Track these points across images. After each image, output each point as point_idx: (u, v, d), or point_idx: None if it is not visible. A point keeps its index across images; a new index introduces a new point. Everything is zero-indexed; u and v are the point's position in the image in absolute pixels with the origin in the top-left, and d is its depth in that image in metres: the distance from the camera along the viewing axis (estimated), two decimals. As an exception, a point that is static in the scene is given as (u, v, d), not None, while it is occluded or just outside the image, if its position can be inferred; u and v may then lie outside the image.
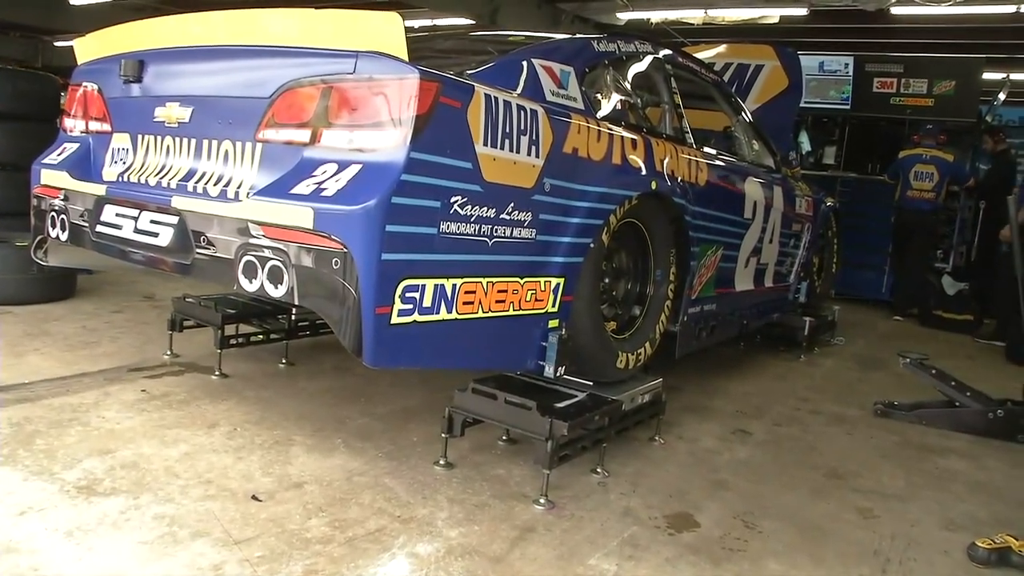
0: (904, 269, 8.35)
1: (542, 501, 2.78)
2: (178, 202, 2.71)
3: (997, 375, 5.72)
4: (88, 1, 14.18)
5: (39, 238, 3.42)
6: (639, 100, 3.74)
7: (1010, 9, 8.94)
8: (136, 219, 2.87)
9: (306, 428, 3.27)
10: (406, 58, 2.33)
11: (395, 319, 2.35)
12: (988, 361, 6.50)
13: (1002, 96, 8.82)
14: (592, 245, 3.05)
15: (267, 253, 2.43)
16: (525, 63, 2.95)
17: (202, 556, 2.22)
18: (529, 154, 2.71)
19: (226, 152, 2.70)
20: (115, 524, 2.34)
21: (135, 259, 2.93)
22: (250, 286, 2.49)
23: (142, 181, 2.94)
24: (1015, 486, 3.58)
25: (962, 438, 4.19)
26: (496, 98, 2.58)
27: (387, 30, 2.35)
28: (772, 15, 10.51)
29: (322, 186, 2.34)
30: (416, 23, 12.60)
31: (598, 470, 3.11)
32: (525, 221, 2.74)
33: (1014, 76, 10.21)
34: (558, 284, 2.95)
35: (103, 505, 2.44)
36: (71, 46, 3.47)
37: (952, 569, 2.69)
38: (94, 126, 3.27)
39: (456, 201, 2.45)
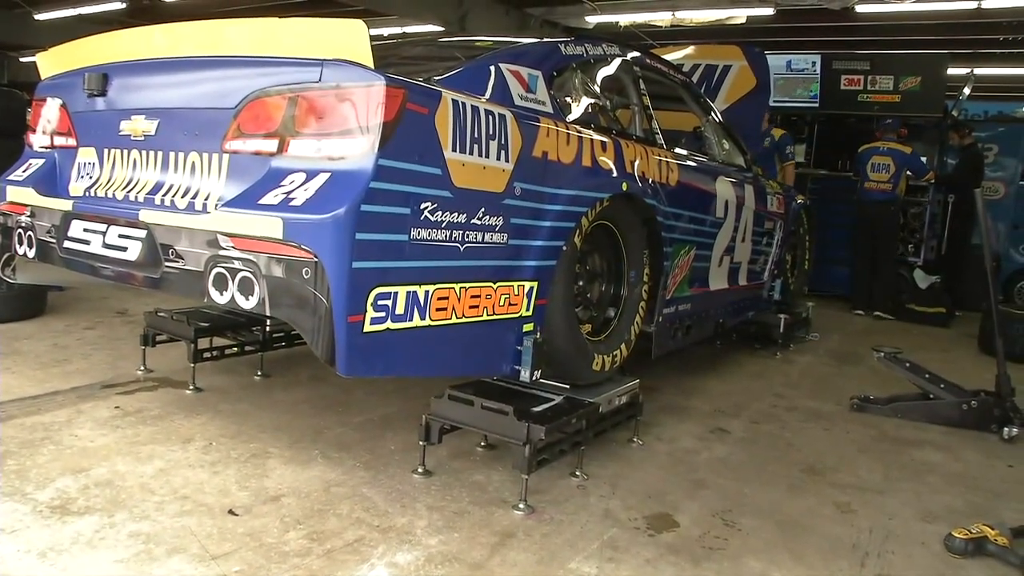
0: (874, 265, 8.35)
1: (521, 506, 2.77)
2: (146, 215, 2.68)
3: (971, 366, 5.79)
4: (53, 15, 14.06)
5: (6, 255, 3.37)
6: (608, 102, 3.75)
7: (971, 5, 9.08)
8: (104, 234, 2.83)
9: (283, 440, 3.24)
10: (372, 65, 2.32)
11: (368, 327, 2.34)
12: (962, 353, 6.57)
13: (967, 91, 8.92)
14: (564, 248, 3.05)
15: (237, 264, 2.41)
16: (493, 68, 2.95)
17: (179, 573, 2.19)
18: (498, 159, 2.71)
19: (193, 164, 2.68)
20: (90, 543, 2.31)
21: (105, 274, 2.90)
22: (221, 298, 2.47)
23: (109, 195, 2.91)
24: (990, 476, 3.62)
25: (937, 430, 4.23)
26: (464, 103, 2.57)
27: (352, 38, 2.34)
28: (739, 16, 10.61)
29: (291, 196, 2.33)
30: (386, 31, 12.60)
31: (577, 473, 3.11)
32: (496, 226, 2.74)
33: (978, 71, 10.36)
34: (532, 288, 2.95)
35: (77, 524, 2.41)
36: (36, 61, 3.43)
37: (930, 560, 2.71)
38: (59, 141, 3.23)
39: (426, 207, 2.45)
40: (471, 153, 2.59)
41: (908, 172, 8.06)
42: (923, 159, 8.36)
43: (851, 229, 8.43)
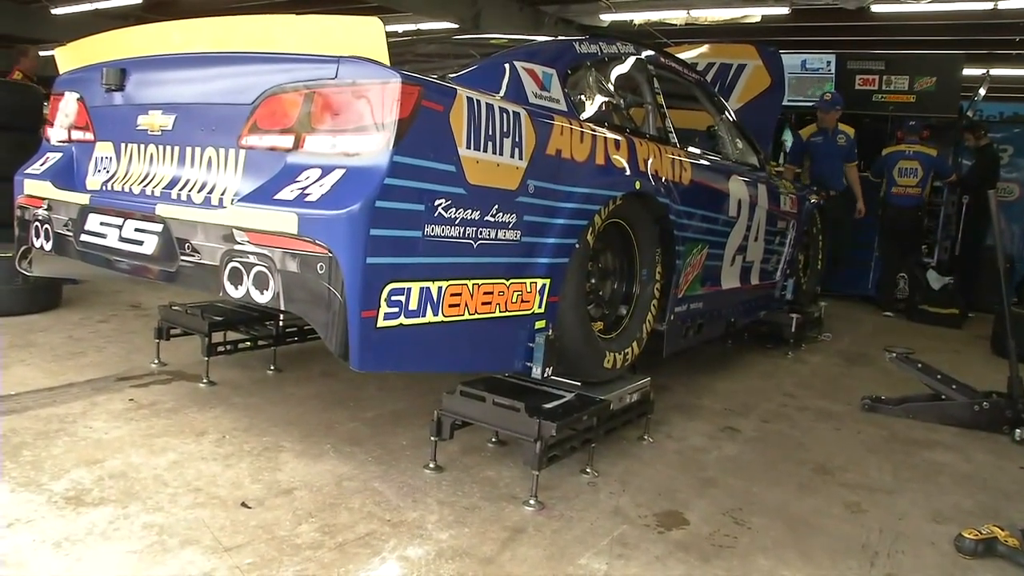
0: (891, 265, 8.36)
1: (532, 502, 2.78)
2: (162, 210, 2.70)
3: (983, 368, 5.77)
4: (70, 10, 14.13)
5: (23, 248, 3.40)
6: (622, 101, 3.75)
7: (987, 6, 9.03)
8: (120, 228, 2.85)
9: (295, 434, 3.27)
10: (387, 63, 2.34)
11: (381, 323, 2.35)
12: (974, 354, 6.55)
13: (982, 91, 8.89)
14: (577, 246, 3.06)
15: (252, 259, 2.43)
16: (507, 66, 2.96)
17: (192, 564, 2.21)
18: (512, 156, 2.72)
19: (209, 159, 2.70)
20: (104, 534, 2.33)
21: (120, 268, 2.92)
22: (236, 292, 2.49)
23: (126, 189, 2.94)
24: (1000, 477, 3.61)
25: (948, 431, 4.22)
26: (479, 101, 2.58)
27: (368, 35, 2.35)
28: (754, 15, 10.57)
29: (306, 191, 2.34)
30: (400, 28, 12.61)
31: (587, 470, 3.12)
32: (510, 223, 2.75)
33: (994, 71, 10.31)
34: (544, 285, 2.96)
35: (91, 515, 2.43)
36: (53, 55, 3.46)
37: (939, 560, 2.71)
38: (77, 135, 3.26)
39: (440, 204, 2.46)
40: (485, 150, 2.60)
41: (933, 174, 8.05)
42: (948, 161, 8.35)
43: (870, 230, 8.41)
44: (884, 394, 4.57)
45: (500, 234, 2.72)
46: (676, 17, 10.88)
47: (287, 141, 2.47)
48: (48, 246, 3.22)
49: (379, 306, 2.34)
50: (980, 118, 9.62)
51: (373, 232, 2.27)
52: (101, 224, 2.94)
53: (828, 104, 7.74)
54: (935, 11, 9.75)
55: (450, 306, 2.58)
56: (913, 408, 4.42)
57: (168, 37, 2.93)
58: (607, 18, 11.56)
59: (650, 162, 3.57)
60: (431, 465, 3.02)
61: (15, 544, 2.23)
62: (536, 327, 2.98)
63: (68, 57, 3.36)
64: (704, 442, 3.68)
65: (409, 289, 2.42)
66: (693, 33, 11.60)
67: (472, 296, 2.67)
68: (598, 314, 3.51)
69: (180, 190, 2.75)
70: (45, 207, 3.21)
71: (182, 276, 2.67)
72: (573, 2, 11.75)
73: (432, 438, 2.99)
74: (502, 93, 2.84)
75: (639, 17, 11.34)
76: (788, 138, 9.48)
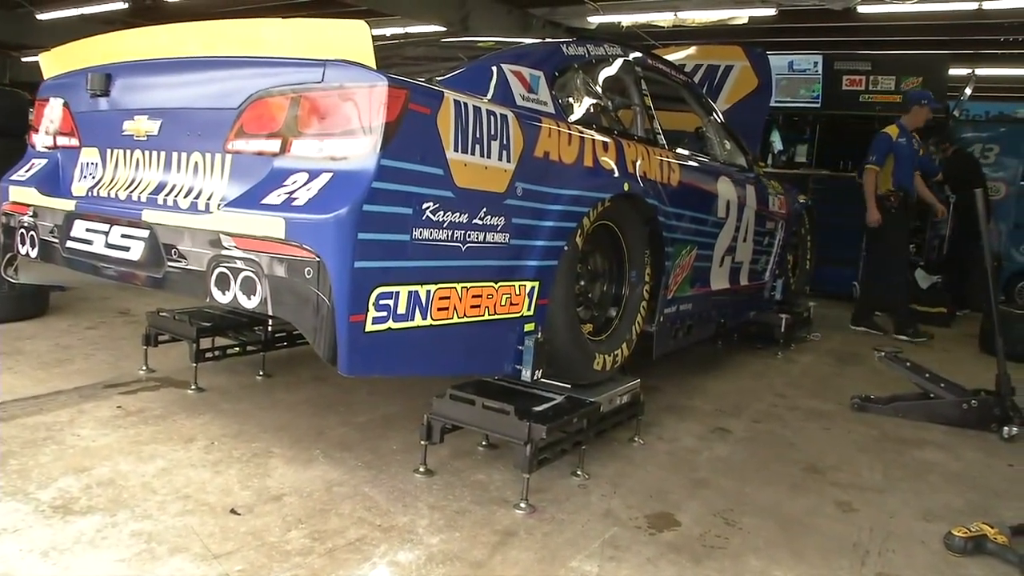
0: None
1: (522, 505, 2.78)
2: (148, 215, 2.69)
3: (971, 366, 5.79)
4: (56, 15, 14.07)
5: (9, 255, 3.38)
6: (610, 103, 3.75)
7: (972, 6, 9.09)
8: (107, 234, 2.84)
9: (284, 440, 3.25)
10: (374, 66, 2.33)
11: (369, 327, 2.35)
12: (962, 352, 6.57)
13: (968, 91, 8.93)
14: (566, 248, 3.06)
15: (239, 264, 2.42)
16: (495, 68, 2.95)
17: (181, 572, 2.20)
18: (500, 159, 2.72)
19: (196, 164, 2.69)
20: (92, 542, 2.31)
21: (107, 274, 2.91)
22: (223, 298, 2.48)
23: (112, 195, 2.92)
24: (990, 475, 3.62)
25: (938, 429, 4.23)
26: (466, 104, 2.58)
27: (355, 39, 2.35)
28: (741, 16, 10.61)
29: (293, 196, 2.34)
30: (388, 31, 12.61)
31: (578, 472, 3.12)
32: (498, 225, 2.75)
33: (979, 71, 10.37)
34: (533, 288, 2.95)
35: (79, 524, 2.41)
36: (38, 61, 3.44)
37: (929, 558, 2.72)
38: (62, 141, 3.24)
39: (428, 207, 2.45)
40: (473, 153, 2.59)
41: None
42: (935, 160, 8.37)
43: (856, 230, 8.43)
44: (874, 393, 4.58)
45: (488, 237, 2.72)
46: (664, 19, 10.91)
47: (274, 145, 2.46)
48: (34, 253, 3.21)
49: (367, 310, 2.33)
50: (966, 118, 9.66)
51: (361, 236, 2.26)
52: (87, 230, 2.93)
53: (935, 104, 7.16)
54: (921, 11, 9.82)
55: (439, 309, 2.58)
56: (902, 407, 4.44)
57: (154, 42, 2.92)
58: (595, 20, 11.59)
59: (638, 164, 3.58)
60: (421, 469, 3.01)
61: (2, 554, 2.21)
62: (525, 330, 2.97)
63: (53, 62, 3.34)
64: (695, 443, 3.68)
65: (397, 293, 2.41)
66: (681, 35, 11.63)
67: (461, 299, 2.66)
68: (587, 316, 3.51)
69: (166, 195, 2.74)
70: (31, 214, 3.19)
71: (169, 282, 2.66)
72: (561, 4, 11.76)
73: (422, 442, 2.98)
74: (490, 96, 2.83)
75: (627, 19, 11.38)
76: (776, 139, 9.52)
